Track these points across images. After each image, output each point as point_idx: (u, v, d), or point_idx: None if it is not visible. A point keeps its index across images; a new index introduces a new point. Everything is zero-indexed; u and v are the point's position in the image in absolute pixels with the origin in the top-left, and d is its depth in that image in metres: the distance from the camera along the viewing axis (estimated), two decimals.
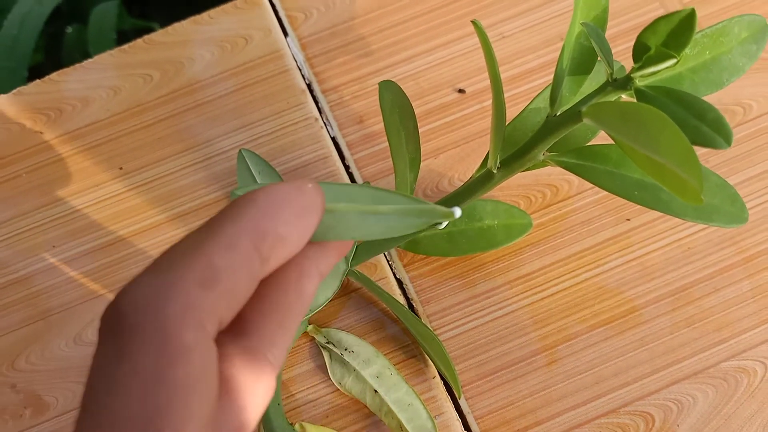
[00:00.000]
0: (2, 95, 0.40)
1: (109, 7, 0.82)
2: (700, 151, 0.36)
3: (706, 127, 0.21)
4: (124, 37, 0.86)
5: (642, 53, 0.22)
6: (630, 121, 0.21)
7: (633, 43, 0.23)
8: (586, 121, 0.24)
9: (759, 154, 0.36)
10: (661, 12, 0.39)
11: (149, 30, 0.91)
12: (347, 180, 0.37)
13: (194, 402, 0.15)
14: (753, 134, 0.37)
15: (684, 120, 0.21)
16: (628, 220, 0.35)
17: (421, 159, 0.36)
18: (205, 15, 0.41)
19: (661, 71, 0.23)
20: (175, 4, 0.97)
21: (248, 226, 0.17)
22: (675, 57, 0.21)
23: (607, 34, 0.39)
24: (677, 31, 0.21)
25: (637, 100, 0.23)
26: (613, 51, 0.38)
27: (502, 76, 0.38)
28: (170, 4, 0.98)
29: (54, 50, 0.87)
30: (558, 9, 0.39)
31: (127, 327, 0.15)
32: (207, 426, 0.16)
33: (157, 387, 0.15)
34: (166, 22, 0.98)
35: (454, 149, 0.37)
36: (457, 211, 0.22)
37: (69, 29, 0.85)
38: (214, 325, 0.16)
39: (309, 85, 0.39)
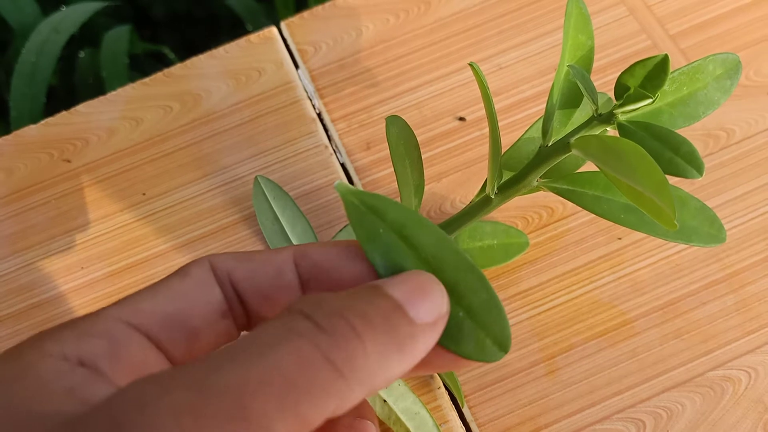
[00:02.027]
0: (32, 126, 0.43)
1: (121, 32, 0.85)
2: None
3: (679, 159, 0.24)
4: (135, 60, 0.89)
5: (623, 92, 0.25)
6: (611, 154, 0.24)
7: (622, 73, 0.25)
8: (574, 152, 0.26)
9: (742, 176, 0.38)
10: (648, 44, 0.42)
11: (160, 54, 0.94)
12: None
13: None
14: (736, 157, 0.39)
15: (660, 152, 0.24)
16: (619, 239, 0.37)
17: (425, 183, 0.39)
18: (221, 49, 0.44)
19: (641, 107, 0.26)
20: (183, 28, 1.00)
21: None
22: (651, 97, 0.24)
23: (599, 64, 0.41)
24: (652, 74, 0.24)
25: (619, 133, 0.26)
26: (604, 79, 0.41)
27: (501, 104, 0.41)
28: (179, 28, 1.01)
29: (67, 74, 0.90)
30: (551, 42, 0.42)
31: None
32: None
33: None
34: (175, 44, 1.00)
35: (456, 174, 0.39)
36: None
37: (82, 53, 0.87)
38: None
39: (319, 115, 0.42)
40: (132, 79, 0.79)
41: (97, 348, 0.18)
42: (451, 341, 0.20)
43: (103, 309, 0.19)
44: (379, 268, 0.20)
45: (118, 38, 0.84)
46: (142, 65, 0.92)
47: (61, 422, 0.15)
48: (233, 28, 0.97)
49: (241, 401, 0.15)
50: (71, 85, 0.89)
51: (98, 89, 0.83)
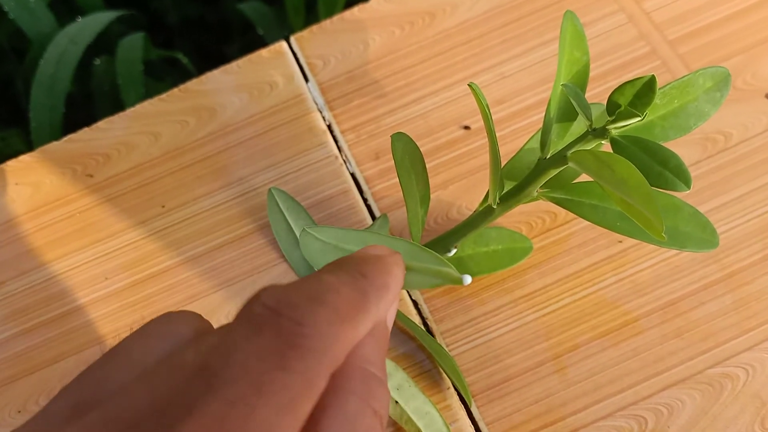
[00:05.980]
0: (55, 142, 0.45)
1: (135, 39, 0.86)
2: None
3: (668, 172, 0.25)
4: (150, 66, 0.91)
5: (614, 109, 0.26)
6: (604, 168, 0.25)
7: (621, 79, 0.27)
8: (570, 165, 0.28)
9: (739, 178, 0.40)
10: (648, 50, 0.43)
11: (174, 59, 0.95)
12: (366, 212, 0.41)
13: None
14: (734, 160, 0.40)
15: (650, 166, 0.25)
16: (620, 242, 0.39)
17: (432, 191, 0.40)
18: (233, 65, 0.45)
19: (632, 123, 0.27)
20: (195, 32, 1.02)
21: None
22: (639, 116, 0.25)
23: (599, 71, 0.43)
24: (641, 93, 0.25)
25: (612, 147, 0.27)
26: (604, 86, 0.43)
27: (504, 113, 0.42)
28: (191, 33, 1.02)
29: (83, 81, 0.91)
30: (551, 50, 0.43)
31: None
32: None
33: None
34: (187, 49, 1.02)
35: (461, 181, 0.41)
36: (467, 279, 0.27)
37: (97, 61, 0.89)
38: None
39: (329, 126, 0.43)
40: (147, 85, 0.81)
41: None
42: None
43: None
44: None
45: (132, 46, 0.86)
46: (157, 70, 0.94)
47: None
48: (244, 32, 0.99)
49: None
50: (88, 91, 0.91)
51: (114, 96, 0.85)
